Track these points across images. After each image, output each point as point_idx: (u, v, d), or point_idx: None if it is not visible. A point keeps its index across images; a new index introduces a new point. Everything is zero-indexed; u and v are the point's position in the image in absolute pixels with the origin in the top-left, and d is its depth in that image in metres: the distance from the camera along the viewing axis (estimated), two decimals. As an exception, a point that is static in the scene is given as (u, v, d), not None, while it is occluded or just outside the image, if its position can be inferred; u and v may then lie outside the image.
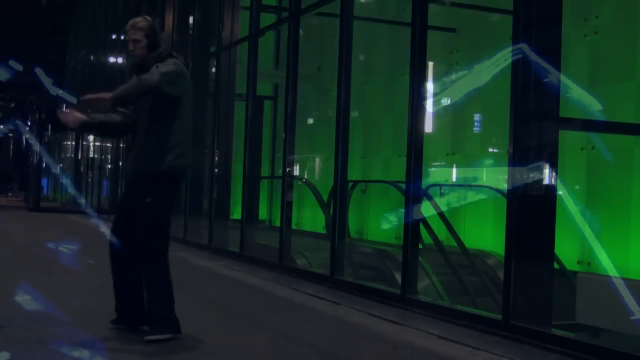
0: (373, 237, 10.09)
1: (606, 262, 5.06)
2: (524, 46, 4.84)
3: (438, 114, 9.58)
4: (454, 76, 5.66)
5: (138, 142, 4.64)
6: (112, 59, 21.30)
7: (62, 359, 4.12)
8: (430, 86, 8.37)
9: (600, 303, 5.20)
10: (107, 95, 4.46)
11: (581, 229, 5.72)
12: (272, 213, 11.79)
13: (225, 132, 11.17)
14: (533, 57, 4.74)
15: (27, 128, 19.23)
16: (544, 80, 4.79)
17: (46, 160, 17.91)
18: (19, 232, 14.53)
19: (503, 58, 4.96)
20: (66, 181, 17.31)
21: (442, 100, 4.93)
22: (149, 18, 4.81)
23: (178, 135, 4.58)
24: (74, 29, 30.57)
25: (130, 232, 4.64)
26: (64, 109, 4.57)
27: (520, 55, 5.04)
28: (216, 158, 11.11)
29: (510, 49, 5.03)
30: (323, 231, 10.00)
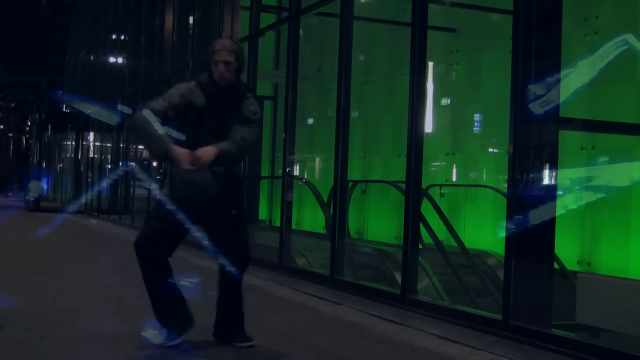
0: (373, 237, 10.09)
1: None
2: (628, 37, 4.70)
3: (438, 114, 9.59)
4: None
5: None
6: (112, 59, 21.30)
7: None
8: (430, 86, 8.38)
9: (600, 303, 5.20)
10: (211, 152, 4.25)
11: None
12: (272, 213, 11.79)
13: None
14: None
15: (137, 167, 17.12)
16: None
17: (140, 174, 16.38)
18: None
19: (608, 51, 4.84)
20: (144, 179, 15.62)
21: (549, 102, 4.76)
22: (237, 41, 4.70)
23: None
24: (74, 29, 30.57)
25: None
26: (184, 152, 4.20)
27: (625, 47, 4.93)
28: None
29: (615, 40, 4.91)
30: (323, 231, 10.00)
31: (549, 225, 5.12)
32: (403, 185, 6.57)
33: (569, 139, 7.13)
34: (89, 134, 24.07)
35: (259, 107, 4.63)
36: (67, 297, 6.26)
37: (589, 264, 7.18)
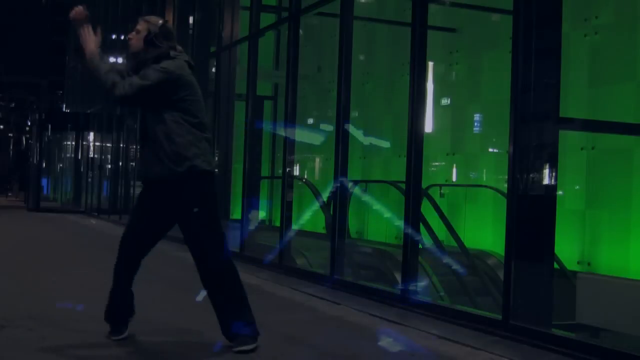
0: (373, 237, 10.10)
1: None
2: None
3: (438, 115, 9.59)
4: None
5: None
6: (112, 59, 21.30)
7: None
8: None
9: (600, 303, 5.21)
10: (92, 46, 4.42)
11: None
12: (272, 213, 11.79)
13: (225, 132, 11.16)
14: None
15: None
16: None
17: None
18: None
19: None
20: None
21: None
22: (167, 22, 4.53)
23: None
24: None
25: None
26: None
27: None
28: (216, 158, 11.12)
29: None
30: (323, 231, 10.00)
31: (549, 226, 5.12)
32: (403, 185, 6.57)
33: (569, 139, 7.13)
34: (89, 134, 24.07)
35: (167, 72, 4.29)
36: (68, 296, 6.25)
37: (589, 264, 7.18)
